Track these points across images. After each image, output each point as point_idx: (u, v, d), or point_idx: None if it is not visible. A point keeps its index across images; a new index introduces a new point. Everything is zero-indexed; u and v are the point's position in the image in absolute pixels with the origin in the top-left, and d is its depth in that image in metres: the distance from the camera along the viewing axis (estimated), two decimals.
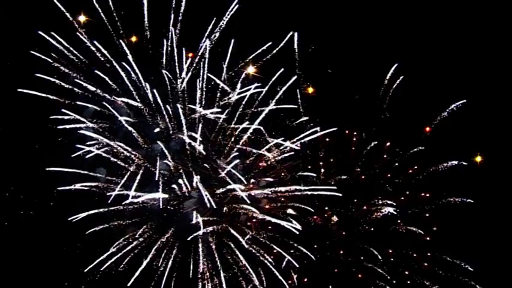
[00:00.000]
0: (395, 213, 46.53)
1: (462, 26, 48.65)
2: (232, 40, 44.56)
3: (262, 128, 45.01)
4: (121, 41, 45.03)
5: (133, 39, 46.44)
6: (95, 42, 44.98)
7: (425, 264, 46.94)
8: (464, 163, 46.45)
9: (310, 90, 48.30)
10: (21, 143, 47.37)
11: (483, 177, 47.25)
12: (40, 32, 44.64)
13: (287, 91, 45.25)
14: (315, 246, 46.98)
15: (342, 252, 47.79)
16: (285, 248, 45.03)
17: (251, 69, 45.85)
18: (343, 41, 48.50)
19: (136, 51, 45.41)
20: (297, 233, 44.04)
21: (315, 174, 46.84)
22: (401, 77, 46.81)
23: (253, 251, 44.62)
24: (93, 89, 44.76)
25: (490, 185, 47.43)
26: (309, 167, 47.42)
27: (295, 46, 46.21)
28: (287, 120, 47.06)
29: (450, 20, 48.92)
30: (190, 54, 45.29)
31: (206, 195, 43.12)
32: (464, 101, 46.35)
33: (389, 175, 48.10)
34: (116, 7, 45.63)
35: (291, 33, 45.74)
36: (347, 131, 47.98)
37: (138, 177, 43.26)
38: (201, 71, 44.90)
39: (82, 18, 46.15)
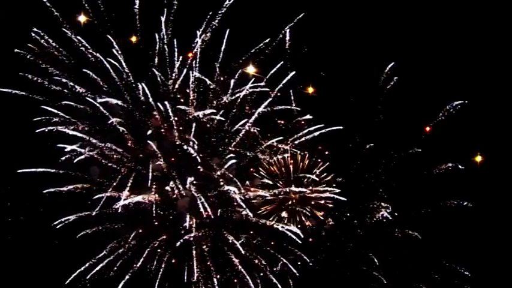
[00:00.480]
0: (390, 217, 46.17)
1: (460, 25, 48.55)
2: (227, 30, 44.37)
3: (257, 129, 44.87)
4: (111, 38, 44.56)
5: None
6: (84, 42, 44.70)
7: (422, 268, 46.44)
8: (460, 166, 46.06)
9: (311, 90, 48.01)
10: (9, 145, 46.60)
11: (482, 181, 46.92)
12: (32, 33, 44.43)
13: (284, 92, 45.06)
14: (310, 249, 46.33)
15: (337, 255, 47.33)
16: (279, 251, 44.67)
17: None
18: (338, 40, 48.23)
19: (129, 50, 45.09)
20: (294, 237, 43.54)
21: (314, 177, 46.32)
22: (395, 78, 46.56)
23: (247, 254, 44.08)
24: (83, 90, 44.30)
25: (488, 189, 47.05)
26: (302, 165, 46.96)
27: (287, 46, 46.01)
28: (280, 122, 46.72)
29: (448, 18, 48.78)
30: (190, 55, 44.95)
31: (200, 198, 42.64)
32: (462, 101, 46.12)
33: (384, 177, 47.71)
34: (108, 7, 45.56)
35: (283, 31, 45.62)
36: (343, 133, 47.64)
37: (131, 179, 42.80)
38: (194, 70, 44.62)
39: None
